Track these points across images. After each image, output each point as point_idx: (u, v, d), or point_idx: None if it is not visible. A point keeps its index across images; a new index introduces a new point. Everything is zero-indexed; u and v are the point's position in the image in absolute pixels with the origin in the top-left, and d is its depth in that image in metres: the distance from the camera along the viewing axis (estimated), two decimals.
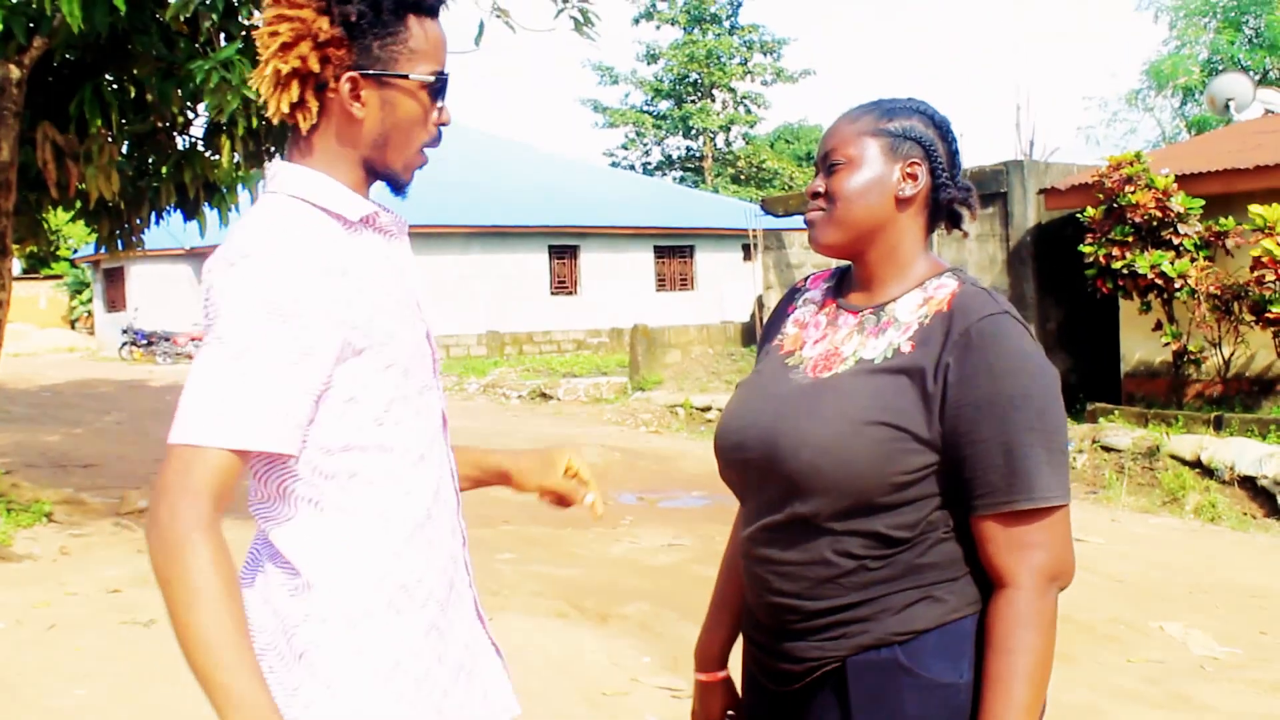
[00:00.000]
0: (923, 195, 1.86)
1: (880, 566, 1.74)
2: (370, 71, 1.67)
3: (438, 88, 1.72)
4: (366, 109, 1.69)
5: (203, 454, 1.52)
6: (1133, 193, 10.83)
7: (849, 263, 1.94)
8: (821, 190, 1.87)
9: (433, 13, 1.72)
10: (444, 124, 1.77)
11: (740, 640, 2.04)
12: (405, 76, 1.69)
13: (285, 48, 1.65)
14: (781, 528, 1.79)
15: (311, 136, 1.72)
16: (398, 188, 1.79)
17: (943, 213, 1.90)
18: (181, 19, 7.08)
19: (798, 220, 14.29)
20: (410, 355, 1.72)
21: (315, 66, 1.66)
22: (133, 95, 8.44)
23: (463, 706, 1.77)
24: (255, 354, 1.54)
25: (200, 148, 8.68)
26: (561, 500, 2.05)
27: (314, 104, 1.68)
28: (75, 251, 33.66)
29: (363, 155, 1.73)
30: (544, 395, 17.32)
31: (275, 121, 1.80)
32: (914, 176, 1.84)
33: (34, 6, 6.51)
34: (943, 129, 1.88)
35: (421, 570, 1.71)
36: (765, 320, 2.08)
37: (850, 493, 1.71)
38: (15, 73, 7.51)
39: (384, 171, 1.76)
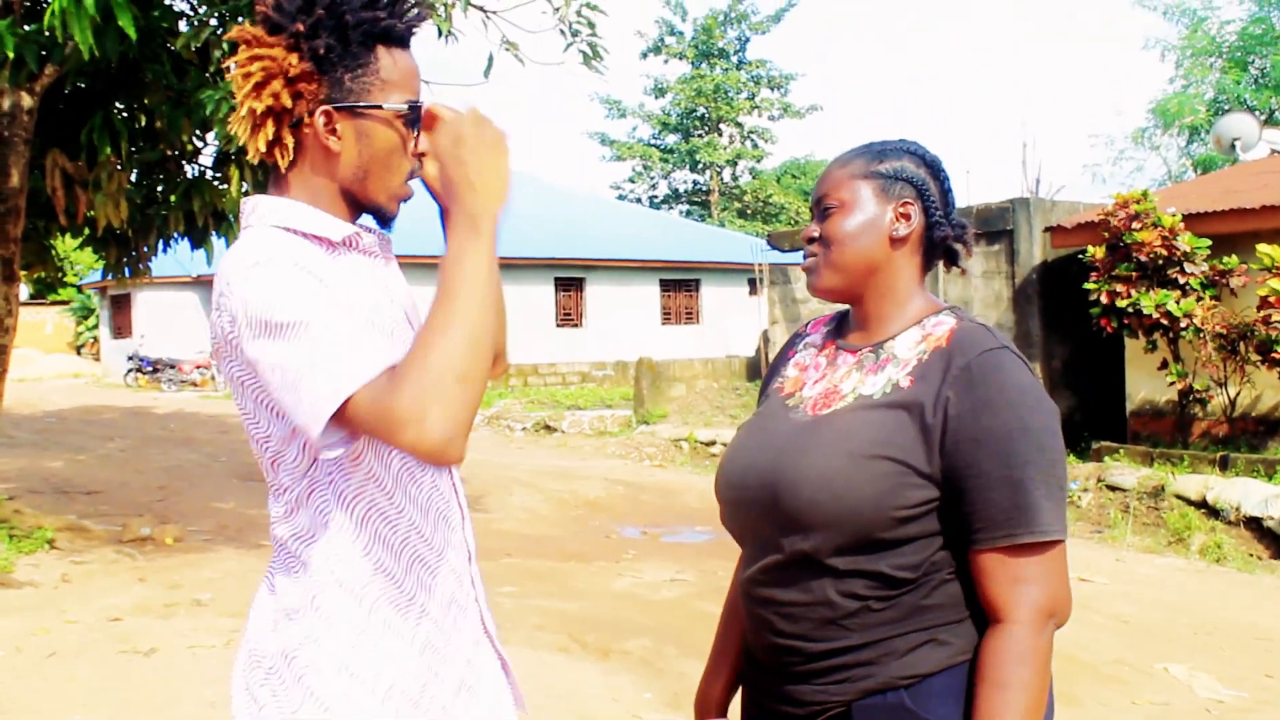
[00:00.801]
0: (917, 234, 1.87)
1: (884, 608, 1.73)
2: (343, 104, 1.69)
3: (413, 117, 1.73)
4: (343, 141, 1.71)
5: (359, 395, 1.50)
6: (1139, 231, 10.84)
7: (849, 306, 1.96)
8: (816, 235, 1.89)
9: (402, 43, 1.73)
10: (422, 154, 1.76)
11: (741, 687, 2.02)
12: (379, 106, 1.70)
13: (258, 87, 1.67)
14: (783, 567, 1.78)
15: (290, 173, 1.74)
16: (383, 220, 1.81)
17: (939, 250, 1.92)
18: (192, 48, 7.13)
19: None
20: None
21: (288, 102, 1.67)
22: (142, 123, 8.49)
23: None
24: (319, 321, 1.54)
25: (209, 176, 8.72)
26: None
27: (290, 140, 1.70)
28: (83, 278, 33.72)
29: (344, 188, 1.74)
30: (548, 428, 17.30)
31: (254, 162, 1.81)
32: (907, 216, 1.86)
33: (46, 35, 6.55)
34: (934, 168, 1.90)
35: (413, 588, 1.72)
36: (770, 360, 2.09)
37: (851, 528, 1.71)
38: (27, 100, 7.55)
39: (367, 204, 1.77)
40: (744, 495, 1.85)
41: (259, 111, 1.68)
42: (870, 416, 1.76)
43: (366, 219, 1.82)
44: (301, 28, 1.66)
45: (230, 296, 1.60)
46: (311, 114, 1.69)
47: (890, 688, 1.73)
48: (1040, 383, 1.77)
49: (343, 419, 1.53)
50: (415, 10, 1.73)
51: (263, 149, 1.70)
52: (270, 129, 1.69)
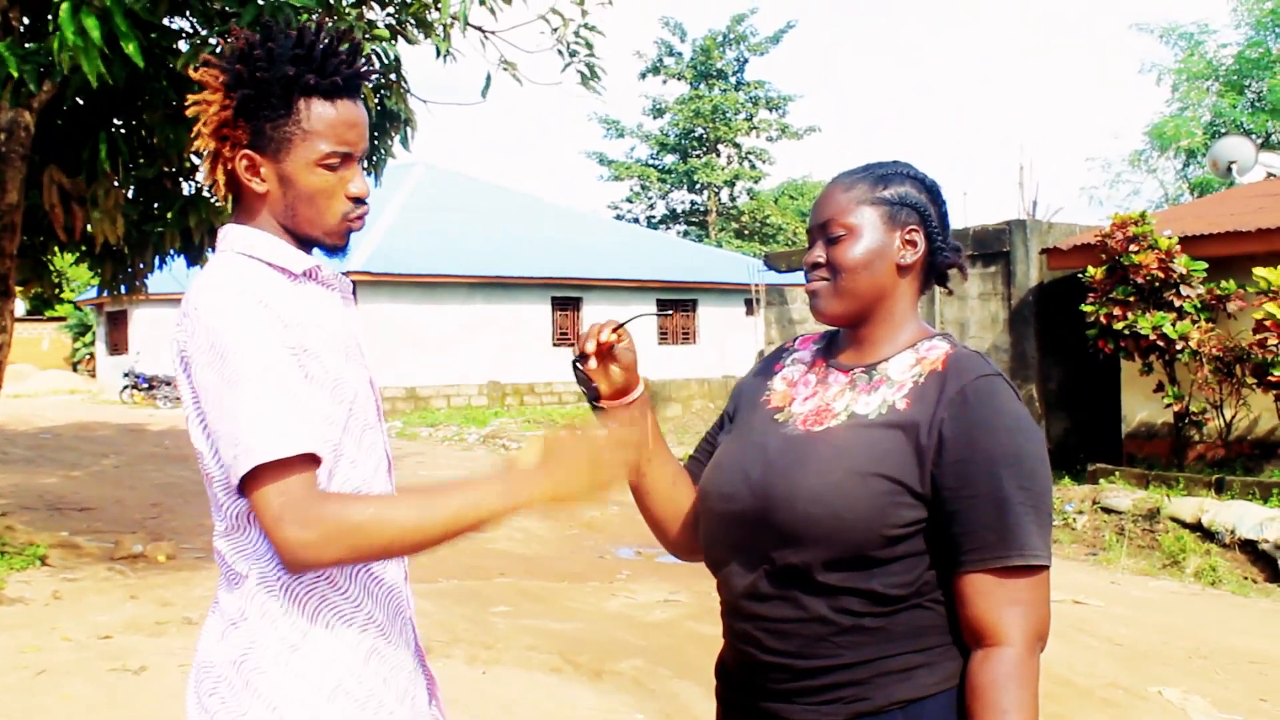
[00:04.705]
0: (920, 261, 1.88)
1: (877, 626, 1.73)
2: (263, 151, 1.82)
3: (334, 165, 1.83)
4: (266, 184, 1.84)
5: (287, 465, 1.64)
6: (1136, 253, 10.84)
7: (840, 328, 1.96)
8: (822, 260, 1.88)
9: (325, 95, 1.83)
10: (356, 197, 1.88)
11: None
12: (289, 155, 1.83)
13: (200, 127, 1.83)
14: (774, 581, 1.78)
15: (239, 206, 1.89)
16: (329, 250, 1.92)
17: (935, 274, 1.92)
18: (193, 68, 7.13)
19: (800, 276, 14.37)
20: (355, 397, 1.83)
21: (212, 145, 1.83)
22: (140, 140, 8.50)
23: None
24: (273, 373, 1.67)
25: (205, 193, 8.72)
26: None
27: (222, 178, 1.85)
28: (79, 294, 33.73)
29: (280, 223, 1.87)
30: None
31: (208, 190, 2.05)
32: (913, 243, 1.86)
33: (47, 56, 6.56)
34: (933, 193, 1.91)
35: (359, 596, 1.81)
36: (747, 375, 2.08)
37: (843, 543, 1.72)
38: (25, 117, 7.55)
39: (305, 238, 1.88)
40: (734, 508, 1.84)
41: (201, 149, 1.84)
42: (866, 435, 1.77)
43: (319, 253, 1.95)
44: (225, 79, 1.80)
45: (194, 320, 1.72)
46: (234, 158, 1.83)
47: (884, 710, 1.73)
48: (1029, 412, 1.79)
49: (254, 479, 1.64)
50: (343, 67, 1.83)
51: (206, 183, 1.91)
52: (206, 166, 1.86)
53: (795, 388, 1.94)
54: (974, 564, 1.70)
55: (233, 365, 1.66)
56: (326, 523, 1.62)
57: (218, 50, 1.91)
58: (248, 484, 1.64)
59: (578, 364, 1.95)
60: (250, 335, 1.67)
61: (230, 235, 1.87)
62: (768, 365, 2.05)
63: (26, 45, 7.03)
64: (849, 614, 1.74)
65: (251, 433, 1.63)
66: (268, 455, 1.62)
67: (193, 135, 1.86)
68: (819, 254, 1.88)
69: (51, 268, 10.43)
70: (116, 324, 32.53)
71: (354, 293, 2.01)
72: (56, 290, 11.01)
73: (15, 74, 6.41)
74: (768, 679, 1.81)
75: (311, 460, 1.66)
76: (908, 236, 1.86)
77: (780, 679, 1.79)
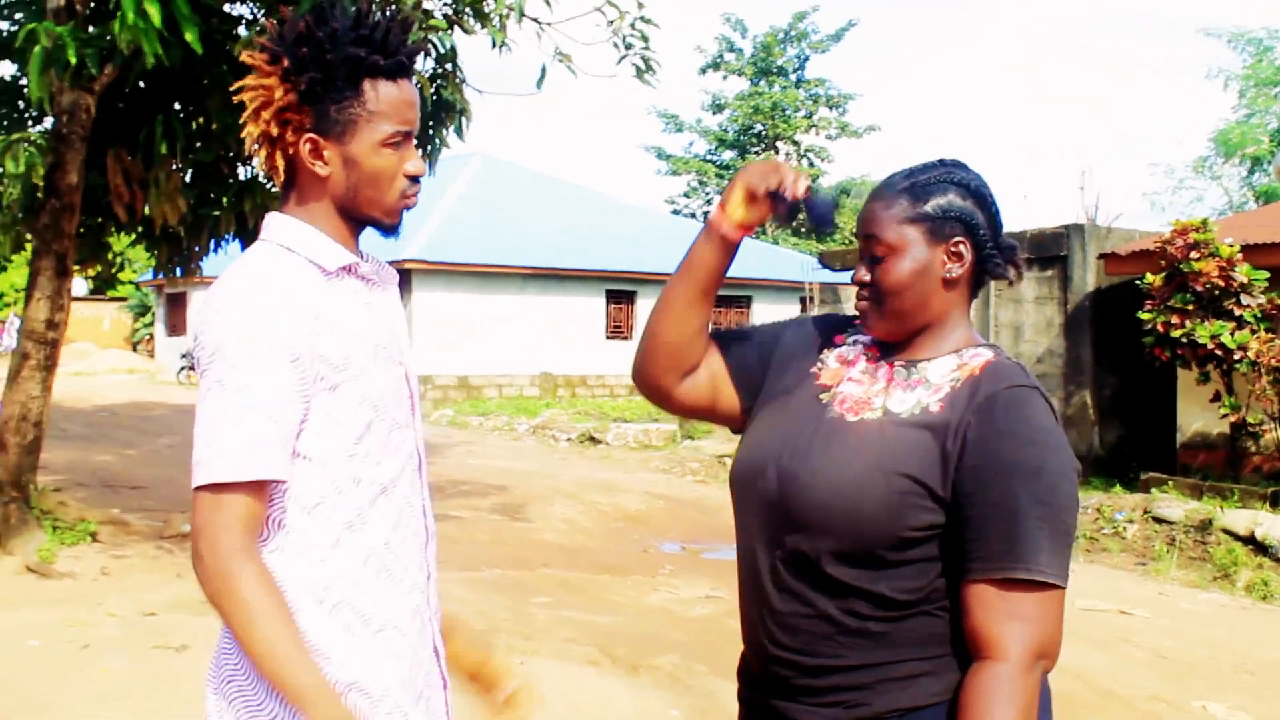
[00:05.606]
0: (968, 271, 1.83)
1: (883, 630, 1.71)
2: (327, 134, 1.81)
3: (398, 144, 1.85)
4: (330, 167, 1.84)
5: (229, 490, 1.68)
6: (1196, 260, 10.67)
7: None
8: (868, 280, 1.85)
9: (389, 75, 1.84)
10: (414, 175, 1.89)
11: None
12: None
13: (255, 113, 1.82)
14: (787, 569, 1.77)
15: (291, 191, 1.88)
16: (385, 230, 1.92)
17: (988, 278, 1.88)
18: (247, 53, 7.18)
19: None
20: (383, 394, 1.84)
21: (275, 131, 1.82)
22: (198, 125, 8.59)
23: None
24: (252, 393, 1.69)
25: (261, 178, 8.80)
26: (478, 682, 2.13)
27: (280, 164, 1.84)
28: (140, 275, 34.18)
29: (338, 206, 1.87)
30: (593, 439, 17.30)
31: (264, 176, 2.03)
32: (959, 256, 1.82)
33: (108, 39, 6.63)
34: (979, 195, 1.83)
35: (378, 596, 1.82)
36: (812, 319, 2.04)
37: (854, 537, 1.70)
38: (86, 99, 7.65)
39: (362, 219, 1.89)
40: (759, 485, 1.83)
41: (255, 135, 1.83)
42: (897, 433, 1.75)
43: (369, 243, 1.94)
44: (288, 63, 1.79)
45: (215, 313, 1.74)
46: (297, 142, 1.82)
47: (883, 716, 1.71)
48: (1062, 430, 1.74)
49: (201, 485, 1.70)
50: (403, 46, 1.85)
51: (263, 169, 1.87)
52: (263, 153, 1.84)
53: (848, 368, 1.90)
54: (978, 573, 1.66)
55: (221, 370, 1.70)
56: (221, 566, 1.67)
57: (267, 34, 1.89)
58: (198, 492, 1.70)
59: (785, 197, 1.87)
60: (250, 343, 1.70)
61: (273, 224, 1.87)
62: (831, 329, 2.00)
63: (90, 29, 7.12)
64: (855, 615, 1.72)
65: (211, 447, 1.68)
66: (214, 477, 1.67)
67: (242, 120, 1.84)
68: (864, 273, 1.85)
69: (110, 249, 10.56)
70: (175, 305, 32.91)
71: (405, 282, 2.01)
72: (115, 271, 11.14)
73: (74, 60, 6.48)
74: (778, 675, 1.80)
75: (259, 485, 1.71)
76: (953, 249, 1.81)
77: (790, 675, 1.78)
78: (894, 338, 1.87)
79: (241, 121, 1.84)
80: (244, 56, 1.87)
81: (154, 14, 6.07)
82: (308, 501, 1.77)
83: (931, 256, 1.80)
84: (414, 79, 1.89)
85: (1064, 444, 1.72)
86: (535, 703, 2.12)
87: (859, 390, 1.85)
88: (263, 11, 8.03)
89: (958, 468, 1.69)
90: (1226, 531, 9.28)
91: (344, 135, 1.81)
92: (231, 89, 1.89)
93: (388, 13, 1.87)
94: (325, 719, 1.68)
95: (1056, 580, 1.64)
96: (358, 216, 1.87)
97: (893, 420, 1.77)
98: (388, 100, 1.82)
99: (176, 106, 8.41)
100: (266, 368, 1.69)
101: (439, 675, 1.96)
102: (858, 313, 1.91)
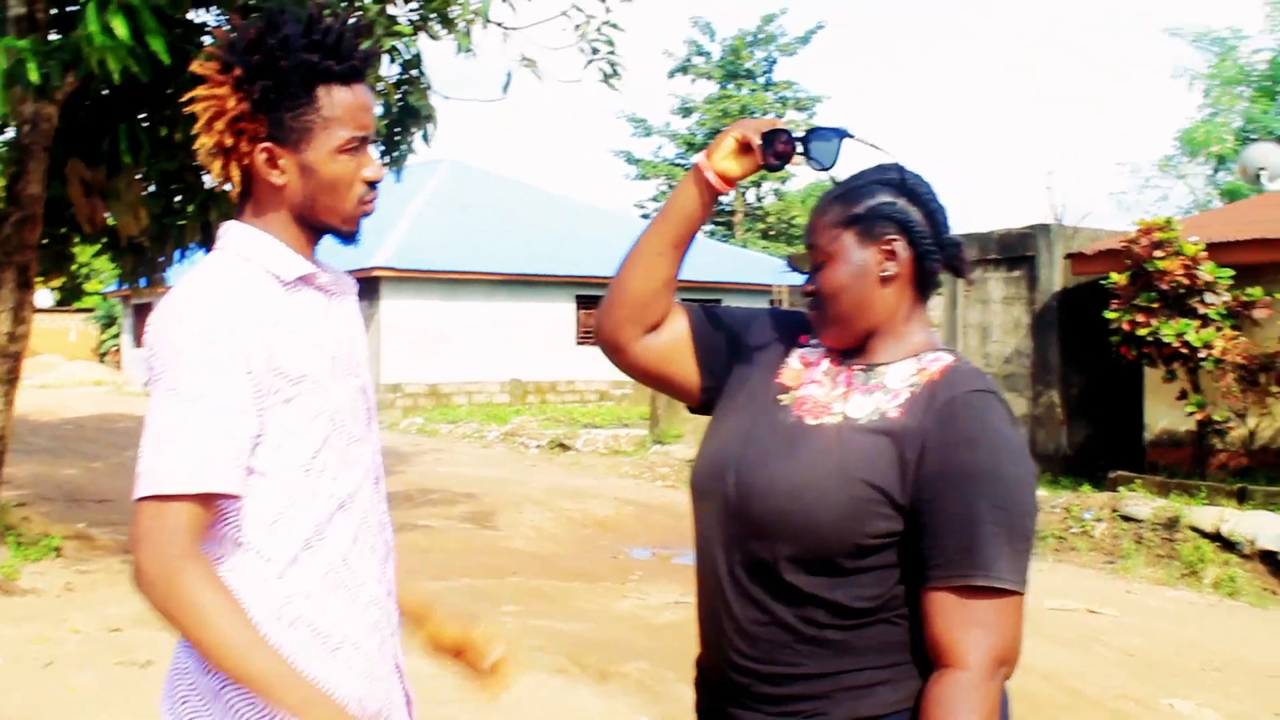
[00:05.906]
0: (907, 268, 1.83)
1: (841, 638, 1.70)
2: (283, 143, 1.78)
3: (355, 149, 1.82)
4: (286, 175, 1.80)
5: (175, 500, 1.64)
6: (1161, 259, 10.73)
7: None
8: (812, 290, 1.86)
9: (344, 80, 1.81)
10: (372, 180, 1.85)
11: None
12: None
13: (208, 124, 1.79)
14: (746, 574, 1.76)
15: (247, 201, 1.84)
16: (344, 238, 1.89)
17: (934, 277, 1.87)
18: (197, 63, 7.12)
19: None
20: (340, 407, 1.81)
21: (229, 141, 1.79)
22: (162, 134, 8.52)
23: None
24: (206, 403, 1.65)
25: (226, 189, 8.73)
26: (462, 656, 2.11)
27: (236, 174, 1.81)
28: (106, 286, 33.93)
29: (296, 215, 1.83)
30: (563, 446, 17.27)
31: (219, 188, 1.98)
32: (892, 254, 1.82)
33: (73, 52, 6.55)
34: (914, 193, 1.84)
35: (336, 612, 1.79)
36: (780, 311, 2.02)
37: (811, 543, 1.69)
38: (48, 109, 7.58)
39: (321, 227, 1.86)
40: (718, 490, 1.83)
41: (209, 146, 1.80)
42: (855, 439, 1.75)
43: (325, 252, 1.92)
44: (240, 72, 1.76)
45: (173, 319, 1.71)
46: (252, 152, 1.79)
47: None
48: (1021, 436, 1.75)
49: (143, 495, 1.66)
50: (356, 51, 1.82)
51: (220, 178, 1.82)
52: (218, 164, 1.81)
53: (810, 370, 1.90)
54: (938, 580, 1.66)
55: (176, 377, 1.67)
56: (165, 571, 1.63)
57: (216, 42, 1.86)
58: (140, 503, 1.67)
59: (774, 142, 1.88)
60: (210, 348, 1.67)
61: (229, 234, 1.84)
62: (796, 328, 1.99)
63: (50, 39, 7.05)
64: (813, 624, 1.71)
65: (157, 457, 1.65)
66: (160, 488, 1.64)
67: (200, 128, 1.80)
68: (810, 284, 1.87)
69: (74, 260, 10.47)
70: (142, 316, 32.56)
71: (373, 289, 1.99)
72: (78, 282, 11.06)
73: (36, 79, 6.38)
74: (735, 681, 1.79)
75: (207, 498, 1.67)
76: (885, 249, 1.81)
77: (746, 682, 1.77)
78: (844, 344, 1.87)
79: (194, 133, 1.82)
80: (194, 66, 1.84)
81: (121, 31, 6.00)
82: (264, 518, 1.73)
83: (865, 257, 1.81)
84: (369, 83, 1.87)
85: (1022, 449, 1.72)
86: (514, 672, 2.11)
87: (820, 393, 1.85)
88: (226, 19, 7.98)
89: (916, 474, 1.69)
90: (1194, 529, 9.33)
91: (300, 143, 1.78)
92: (181, 100, 1.86)
93: (340, 17, 1.83)
94: (294, 703, 1.64)
95: (1016, 587, 1.64)
96: (316, 225, 1.85)
97: (851, 426, 1.76)
98: (343, 105, 1.80)
99: (141, 115, 8.34)
100: (224, 375, 1.66)
101: (401, 692, 1.94)
102: (810, 323, 1.91)
